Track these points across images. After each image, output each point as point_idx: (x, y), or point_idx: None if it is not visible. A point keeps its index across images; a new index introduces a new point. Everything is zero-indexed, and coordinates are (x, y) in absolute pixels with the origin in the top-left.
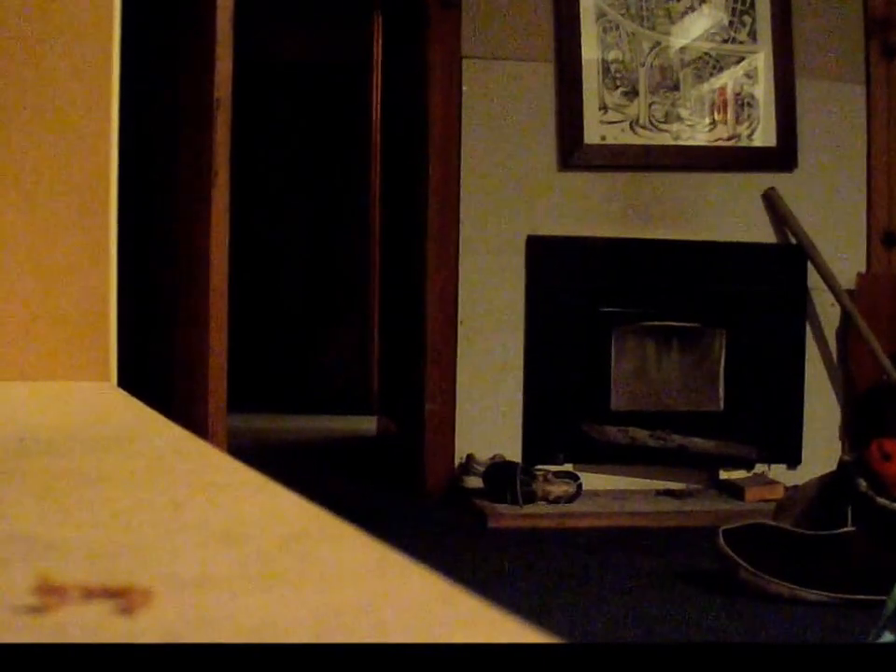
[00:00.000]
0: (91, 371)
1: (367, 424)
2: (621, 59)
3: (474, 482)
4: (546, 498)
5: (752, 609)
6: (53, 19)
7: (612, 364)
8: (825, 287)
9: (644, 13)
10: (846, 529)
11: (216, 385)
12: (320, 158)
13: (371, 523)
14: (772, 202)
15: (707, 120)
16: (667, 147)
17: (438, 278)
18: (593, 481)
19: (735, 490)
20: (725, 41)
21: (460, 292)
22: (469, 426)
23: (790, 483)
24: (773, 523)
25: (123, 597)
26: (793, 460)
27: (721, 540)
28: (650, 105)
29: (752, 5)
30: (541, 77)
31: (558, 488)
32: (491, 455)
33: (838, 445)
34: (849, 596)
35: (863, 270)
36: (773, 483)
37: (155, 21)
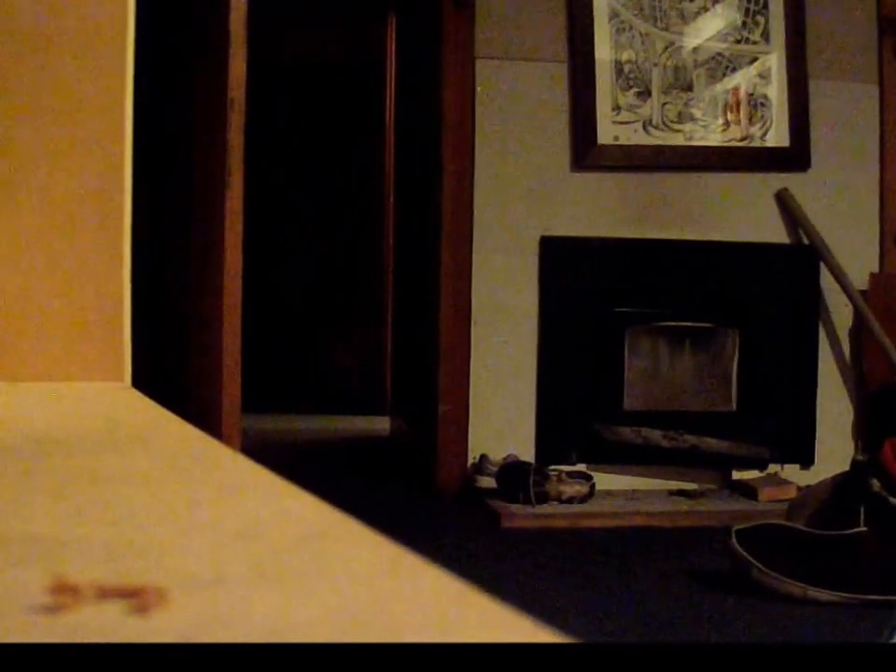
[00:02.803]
0: (105, 371)
1: (380, 424)
2: (634, 59)
3: (487, 482)
4: (559, 498)
5: (765, 608)
6: (67, 20)
7: (625, 364)
8: (838, 288)
9: (657, 13)
10: (858, 529)
11: (229, 386)
12: (333, 157)
13: (383, 523)
14: (785, 202)
15: (720, 121)
16: (680, 147)
17: (451, 278)
18: (606, 481)
19: (748, 490)
20: (738, 41)
21: (474, 292)
22: (483, 426)
23: (803, 484)
24: (786, 523)
25: (137, 597)
26: (806, 460)
27: (734, 540)
28: (663, 106)
29: (765, 5)
30: (555, 78)
31: (571, 488)
32: (504, 454)
33: (851, 445)
34: (862, 596)
35: (876, 270)
36: (786, 483)
37: (169, 21)
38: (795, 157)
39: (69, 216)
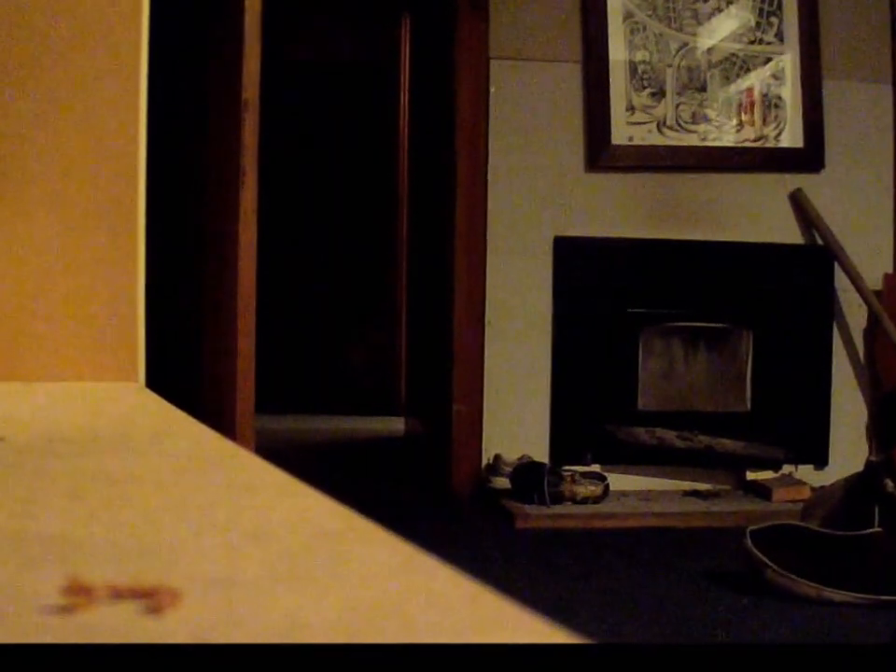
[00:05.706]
0: (119, 371)
1: (394, 425)
2: (648, 60)
3: (502, 482)
4: (573, 499)
5: (779, 609)
6: (82, 19)
7: (639, 365)
8: (852, 288)
9: (671, 14)
10: (872, 530)
11: (243, 386)
12: (347, 157)
13: (398, 523)
14: (799, 202)
15: (734, 121)
16: (694, 147)
17: (465, 279)
18: (620, 481)
19: (762, 491)
20: (752, 42)
21: (488, 293)
22: (497, 426)
23: (817, 484)
24: (800, 523)
25: (151, 597)
26: (820, 461)
27: (749, 541)
28: (677, 106)
29: (779, 6)
30: (569, 78)
31: (585, 489)
32: (518, 455)
33: (865, 446)
34: (876, 597)
35: (890, 270)
36: (800, 483)
37: (183, 22)
38: (809, 157)
39: (83, 217)
